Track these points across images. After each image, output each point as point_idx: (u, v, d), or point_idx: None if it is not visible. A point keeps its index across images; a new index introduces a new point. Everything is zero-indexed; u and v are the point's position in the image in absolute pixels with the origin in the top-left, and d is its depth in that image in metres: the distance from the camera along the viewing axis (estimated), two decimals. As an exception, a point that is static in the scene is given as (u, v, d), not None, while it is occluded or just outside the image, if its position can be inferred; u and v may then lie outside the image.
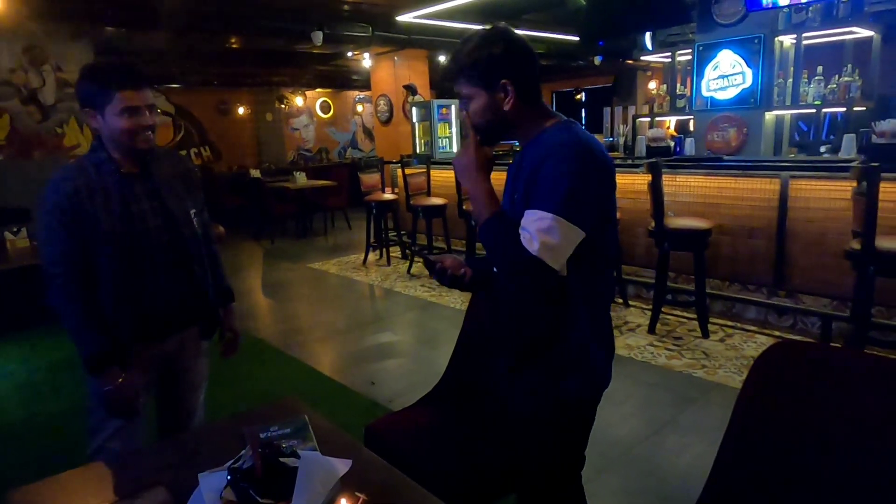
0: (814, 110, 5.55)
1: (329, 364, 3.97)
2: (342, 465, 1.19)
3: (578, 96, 13.79)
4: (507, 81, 1.30)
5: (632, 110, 8.19)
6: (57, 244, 1.61)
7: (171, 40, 7.06)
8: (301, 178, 8.93)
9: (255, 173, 9.57)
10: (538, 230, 1.19)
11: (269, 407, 1.81)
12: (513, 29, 1.36)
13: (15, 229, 4.83)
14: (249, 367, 3.86)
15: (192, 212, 1.82)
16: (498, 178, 1.31)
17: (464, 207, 5.40)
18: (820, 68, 5.37)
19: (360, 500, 1.25)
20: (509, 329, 1.42)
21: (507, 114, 1.32)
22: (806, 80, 5.41)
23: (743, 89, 5.61)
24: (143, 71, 1.65)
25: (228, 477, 1.08)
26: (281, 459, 1.09)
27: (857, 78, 5.20)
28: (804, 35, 5.37)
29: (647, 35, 6.85)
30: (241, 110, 12.04)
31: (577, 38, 8.40)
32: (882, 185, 2.92)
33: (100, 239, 1.62)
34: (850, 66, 5.31)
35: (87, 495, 1.34)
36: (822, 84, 5.31)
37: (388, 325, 4.67)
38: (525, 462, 1.50)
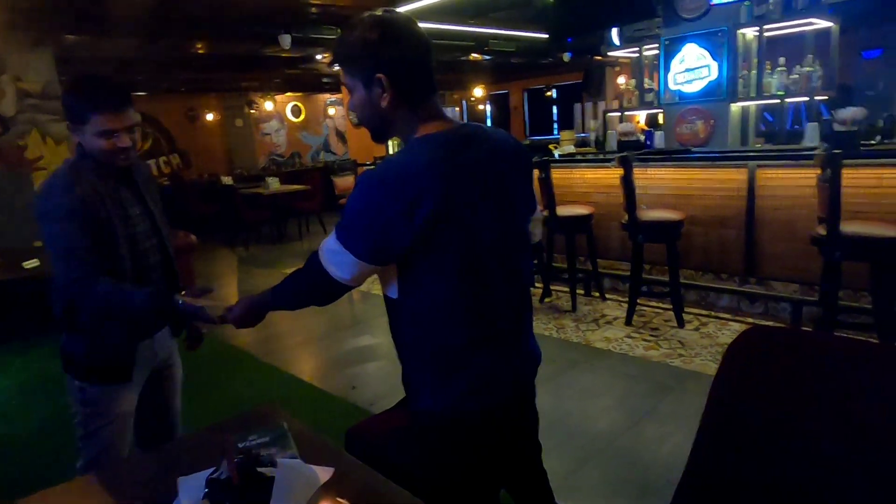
0: (778, 101, 5.68)
1: (308, 370, 3.93)
2: (324, 473, 1.17)
3: (549, 93, 13.91)
4: (382, 76, 1.17)
5: (602, 106, 8.27)
6: (81, 251, 1.58)
7: (136, 47, 6.92)
8: (274, 184, 8.84)
9: (227, 180, 9.45)
10: (326, 248, 1.24)
11: (248, 415, 1.79)
12: (399, 13, 1.22)
13: (-23, 245, 4.68)
14: (227, 375, 3.81)
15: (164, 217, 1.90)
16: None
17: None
18: (782, 59, 5.49)
19: (343, 506, 1.24)
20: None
21: (385, 112, 1.21)
22: (769, 71, 5.53)
23: (709, 82, 5.71)
24: (125, 90, 1.64)
25: (206, 489, 1.06)
26: (259, 469, 1.08)
27: (817, 68, 5.33)
28: (766, 27, 5.49)
29: (614, 31, 6.92)
30: (209, 116, 11.86)
31: (545, 36, 8.47)
32: (844, 171, 3.00)
33: (117, 242, 1.65)
34: (811, 56, 5.44)
35: (61, 516, 1.31)
36: (785, 75, 5.43)
37: (368, 328, 4.64)
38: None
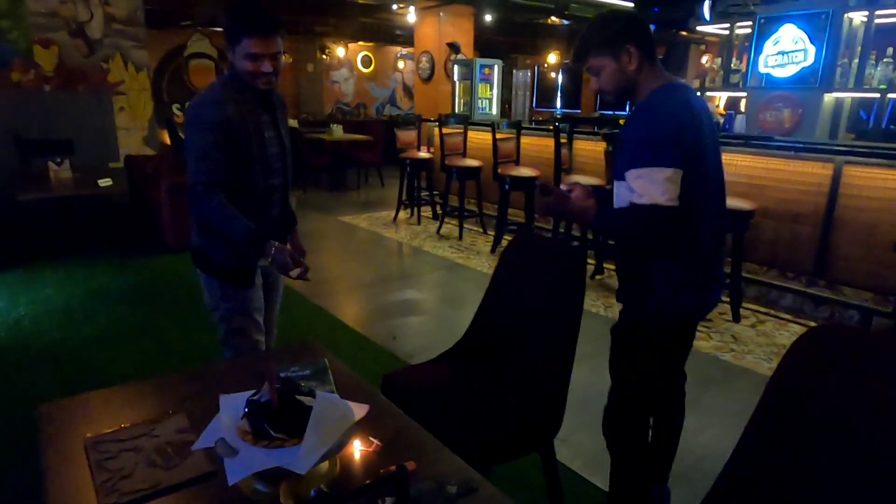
0: (878, 94, 5.24)
1: (352, 315, 4.01)
2: (360, 410, 1.18)
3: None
4: (630, 45, 1.58)
5: (681, 84, 7.89)
6: (212, 160, 1.76)
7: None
8: (338, 131, 8.90)
9: (293, 123, 9.57)
10: (641, 185, 1.49)
11: (291, 347, 1.84)
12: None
13: (59, 160, 4.92)
14: (275, 311, 3.92)
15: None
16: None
17: (499, 171, 5.32)
18: (890, 49, 5.04)
19: (374, 445, 1.25)
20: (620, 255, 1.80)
21: (632, 74, 1.60)
22: (873, 62, 5.09)
23: (803, 68, 5.32)
24: (275, 19, 1.78)
25: (246, 409, 1.09)
26: (298, 397, 1.09)
27: (929, 63, 4.87)
28: (877, 13, 5.03)
29: (706, 3, 6.50)
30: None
31: (631, 4, 8.06)
32: (946, 176, 2.75)
33: (252, 160, 1.84)
34: (923, 49, 4.98)
35: (111, 415, 1.38)
36: (891, 67, 4.99)
37: (414, 282, 4.67)
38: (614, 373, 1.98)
